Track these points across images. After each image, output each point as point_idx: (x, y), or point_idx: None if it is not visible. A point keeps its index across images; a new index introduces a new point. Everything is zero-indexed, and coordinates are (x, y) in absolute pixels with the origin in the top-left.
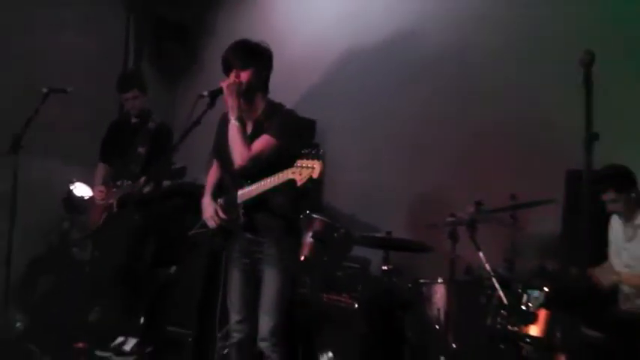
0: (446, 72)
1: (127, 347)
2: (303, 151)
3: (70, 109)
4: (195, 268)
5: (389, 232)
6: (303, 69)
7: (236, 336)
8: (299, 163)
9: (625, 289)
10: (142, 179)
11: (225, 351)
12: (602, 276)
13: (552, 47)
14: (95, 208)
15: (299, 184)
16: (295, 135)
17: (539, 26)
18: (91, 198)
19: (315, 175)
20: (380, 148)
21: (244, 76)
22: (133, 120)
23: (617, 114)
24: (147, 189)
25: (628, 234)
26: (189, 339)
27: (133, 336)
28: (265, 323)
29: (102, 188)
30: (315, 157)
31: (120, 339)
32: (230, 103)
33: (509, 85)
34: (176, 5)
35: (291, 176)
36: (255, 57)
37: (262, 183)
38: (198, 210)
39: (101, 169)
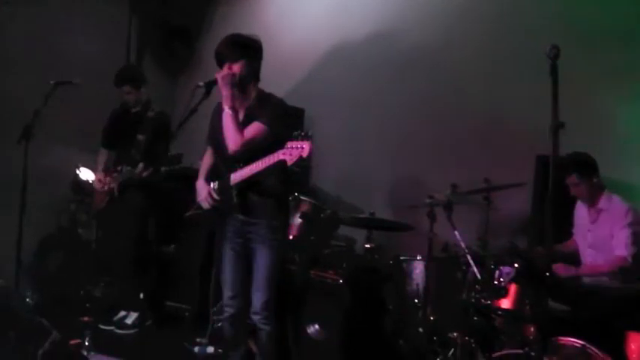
0: (425, 65)
1: (129, 321)
2: (293, 133)
3: (77, 101)
4: (194, 246)
5: (372, 213)
6: (293, 62)
7: (228, 311)
8: (289, 144)
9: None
10: (141, 165)
11: (219, 324)
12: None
13: (524, 41)
14: (98, 192)
15: (289, 164)
16: (284, 122)
17: (511, 20)
18: (94, 182)
19: (304, 155)
20: (364, 135)
21: (236, 68)
22: (133, 110)
23: (582, 105)
24: (145, 174)
25: (592, 217)
26: (187, 313)
27: (135, 310)
28: (258, 298)
29: (101, 177)
30: (305, 137)
31: (122, 313)
32: (224, 92)
33: (484, 77)
34: (175, 5)
35: (281, 157)
36: (246, 50)
37: (254, 165)
38: (194, 192)
39: (102, 155)
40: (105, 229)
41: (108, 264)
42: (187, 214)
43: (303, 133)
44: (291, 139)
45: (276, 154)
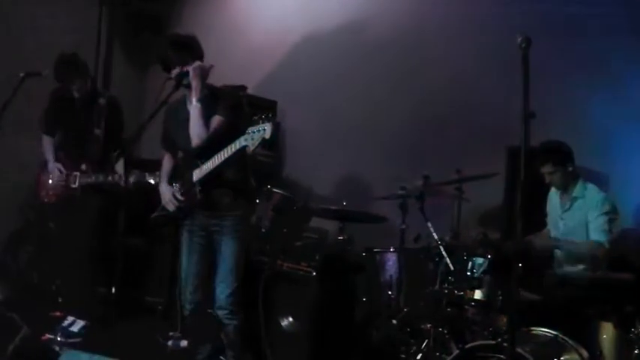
0: (396, 56)
1: (75, 329)
2: (253, 118)
3: (46, 93)
4: (165, 240)
5: (344, 205)
6: (264, 53)
7: (189, 307)
8: (249, 129)
9: (558, 255)
10: (117, 175)
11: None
12: (537, 241)
13: (495, 30)
14: (50, 186)
15: (251, 149)
16: (239, 111)
17: (483, 9)
18: (40, 173)
19: (266, 137)
20: (336, 127)
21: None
22: (75, 95)
23: (555, 94)
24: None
25: (565, 205)
26: (159, 307)
27: (82, 318)
28: (222, 291)
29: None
30: (265, 120)
31: (69, 319)
32: (194, 84)
33: (455, 67)
34: None
35: (243, 143)
36: (185, 49)
37: (216, 157)
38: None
39: (49, 143)
40: (60, 227)
41: (73, 260)
42: (152, 216)
43: (263, 117)
44: (253, 125)
45: (237, 142)
